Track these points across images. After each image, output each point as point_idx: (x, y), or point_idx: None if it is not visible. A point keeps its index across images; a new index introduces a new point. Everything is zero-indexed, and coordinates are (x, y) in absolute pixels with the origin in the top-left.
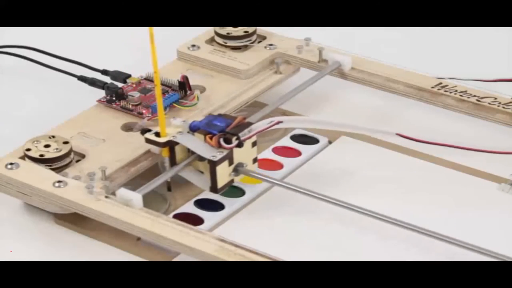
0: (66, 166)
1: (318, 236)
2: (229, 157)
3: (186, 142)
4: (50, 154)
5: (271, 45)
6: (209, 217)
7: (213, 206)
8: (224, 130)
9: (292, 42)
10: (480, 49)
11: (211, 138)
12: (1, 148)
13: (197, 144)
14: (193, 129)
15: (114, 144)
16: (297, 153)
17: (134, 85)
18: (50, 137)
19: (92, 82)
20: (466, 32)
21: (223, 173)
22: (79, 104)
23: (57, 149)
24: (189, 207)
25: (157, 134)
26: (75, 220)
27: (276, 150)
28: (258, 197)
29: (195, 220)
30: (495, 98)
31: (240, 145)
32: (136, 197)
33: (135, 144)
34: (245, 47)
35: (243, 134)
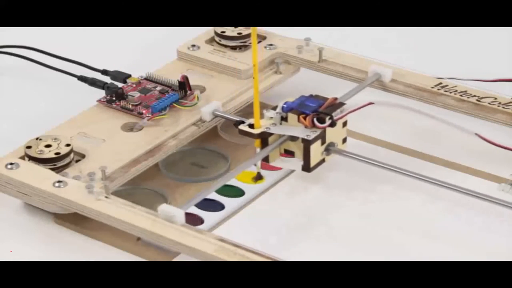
0: (66, 166)
1: (318, 236)
2: (322, 136)
3: (279, 131)
4: (50, 154)
5: (271, 45)
6: (209, 217)
7: (213, 206)
8: (317, 110)
9: (292, 42)
10: (480, 49)
11: (304, 118)
12: (1, 148)
13: (290, 128)
14: (286, 110)
15: (114, 144)
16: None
17: (134, 85)
18: (50, 138)
19: (92, 82)
20: (466, 32)
21: (316, 152)
22: (79, 104)
23: (57, 149)
24: (189, 207)
25: (251, 126)
26: (75, 220)
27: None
28: (258, 197)
29: (195, 220)
30: (495, 98)
31: (333, 124)
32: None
33: (135, 144)
34: (245, 47)
35: (335, 114)
